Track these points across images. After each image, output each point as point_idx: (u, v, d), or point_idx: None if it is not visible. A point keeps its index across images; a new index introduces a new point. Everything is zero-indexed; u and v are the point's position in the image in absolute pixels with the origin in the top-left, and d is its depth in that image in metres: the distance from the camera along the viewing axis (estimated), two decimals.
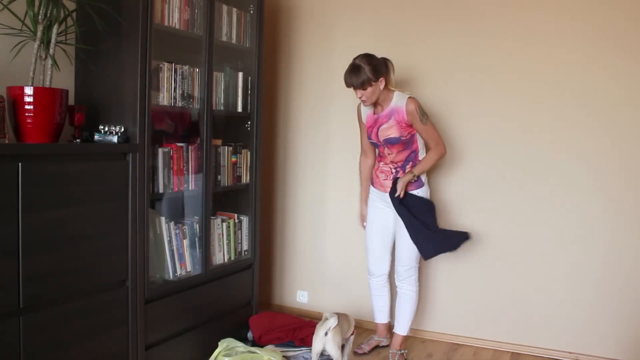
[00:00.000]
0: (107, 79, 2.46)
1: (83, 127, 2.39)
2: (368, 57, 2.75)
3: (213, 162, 2.88)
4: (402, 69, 3.30)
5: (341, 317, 2.78)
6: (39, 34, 2.14)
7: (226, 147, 3.00)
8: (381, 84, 2.76)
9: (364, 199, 3.14)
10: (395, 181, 2.85)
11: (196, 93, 2.76)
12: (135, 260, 2.41)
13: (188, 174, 2.73)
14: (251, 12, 3.10)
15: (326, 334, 2.64)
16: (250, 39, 3.11)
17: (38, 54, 2.16)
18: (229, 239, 3.05)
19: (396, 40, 3.34)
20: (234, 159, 3.06)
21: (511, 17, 3.09)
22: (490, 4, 3.13)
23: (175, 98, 2.64)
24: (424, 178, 2.91)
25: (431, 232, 2.82)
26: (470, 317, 3.29)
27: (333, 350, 2.64)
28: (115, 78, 2.43)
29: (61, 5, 2.17)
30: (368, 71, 2.69)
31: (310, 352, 2.76)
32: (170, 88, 2.61)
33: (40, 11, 2.12)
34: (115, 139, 2.33)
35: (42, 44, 2.16)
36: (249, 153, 3.16)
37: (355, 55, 2.78)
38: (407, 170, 2.87)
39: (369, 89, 2.73)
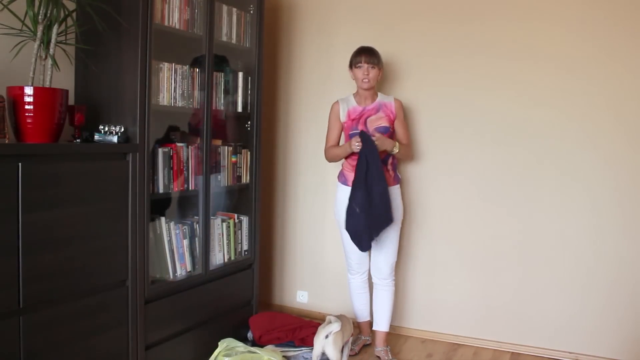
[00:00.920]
0: (107, 79, 2.46)
1: (83, 127, 2.39)
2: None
3: (213, 162, 2.88)
4: (402, 69, 3.31)
5: (344, 320, 2.78)
6: (39, 34, 2.14)
7: (226, 147, 3.00)
8: (381, 73, 2.93)
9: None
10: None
11: (196, 93, 2.76)
12: (135, 261, 2.41)
13: (188, 174, 2.73)
14: (251, 12, 3.10)
15: (327, 336, 2.64)
16: (250, 38, 3.11)
17: (38, 54, 2.15)
18: (229, 239, 3.04)
19: (396, 40, 3.33)
20: (234, 159, 3.06)
21: (513, 19, 3.10)
22: (495, 11, 3.13)
23: (175, 98, 2.64)
24: (399, 177, 3.02)
25: (360, 214, 2.76)
26: (470, 317, 3.29)
27: (333, 353, 2.64)
28: (115, 78, 2.43)
29: (61, 5, 2.17)
30: (379, 55, 2.90)
31: (311, 352, 2.76)
32: (170, 88, 2.61)
33: (40, 11, 2.12)
34: (115, 139, 2.33)
35: (42, 44, 2.15)
36: (249, 153, 3.16)
37: None
38: (387, 168, 2.91)
39: (376, 71, 2.88)
